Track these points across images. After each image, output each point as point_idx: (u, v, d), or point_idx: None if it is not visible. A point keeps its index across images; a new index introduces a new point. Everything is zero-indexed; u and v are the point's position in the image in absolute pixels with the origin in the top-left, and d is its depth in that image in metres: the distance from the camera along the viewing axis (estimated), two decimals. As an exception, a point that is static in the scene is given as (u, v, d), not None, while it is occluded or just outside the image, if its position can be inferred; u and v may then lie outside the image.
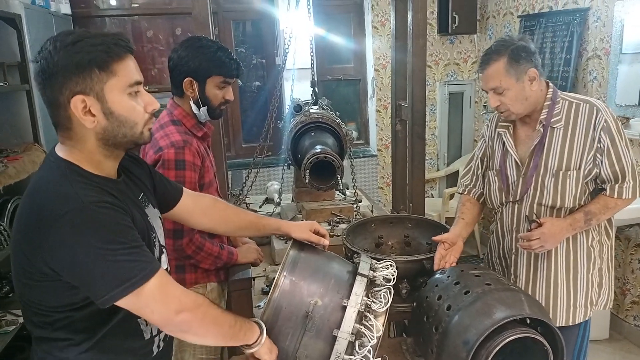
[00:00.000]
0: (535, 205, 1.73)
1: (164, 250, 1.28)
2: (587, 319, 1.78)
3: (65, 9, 3.65)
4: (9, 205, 2.53)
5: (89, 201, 1.00)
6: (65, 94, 1.02)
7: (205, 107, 1.78)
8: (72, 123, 1.05)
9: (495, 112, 1.78)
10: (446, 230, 1.81)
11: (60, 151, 1.09)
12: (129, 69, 1.06)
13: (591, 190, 1.71)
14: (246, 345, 1.20)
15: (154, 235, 1.20)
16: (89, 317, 1.08)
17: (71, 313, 1.08)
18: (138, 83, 1.09)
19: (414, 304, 1.54)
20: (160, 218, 1.31)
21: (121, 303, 1.02)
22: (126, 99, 1.07)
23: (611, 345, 3.04)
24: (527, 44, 1.64)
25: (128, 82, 1.06)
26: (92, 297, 1.02)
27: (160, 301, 1.04)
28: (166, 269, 1.28)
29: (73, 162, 1.07)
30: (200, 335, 1.12)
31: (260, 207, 2.86)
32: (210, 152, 1.90)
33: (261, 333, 1.21)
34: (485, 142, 1.93)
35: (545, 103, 1.69)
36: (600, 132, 1.63)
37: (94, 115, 1.04)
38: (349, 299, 1.28)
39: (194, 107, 1.78)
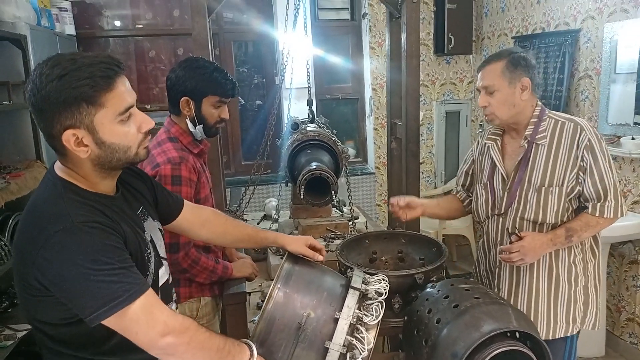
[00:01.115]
0: (518, 220, 1.77)
1: (163, 262, 1.30)
2: (568, 334, 1.80)
3: (70, 29, 3.74)
4: (10, 221, 2.57)
5: (79, 221, 1.02)
6: (57, 127, 1.03)
7: (202, 126, 1.83)
8: (67, 151, 1.07)
9: (485, 128, 1.84)
10: (439, 246, 1.84)
11: (59, 170, 1.11)
12: (119, 97, 1.06)
13: (575, 207, 1.75)
14: None
15: (149, 251, 1.21)
16: (89, 333, 1.08)
17: (68, 328, 1.09)
18: (129, 108, 1.08)
19: (405, 317, 1.57)
20: (160, 230, 1.33)
21: (106, 323, 1.03)
22: (117, 127, 1.07)
23: (607, 362, 3.04)
24: (529, 58, 1.72)
25: (118, 110, 1.06)
26: (80, 316, 1.03)
27: (144, 323, 1.04)
28: (166, 281, 1.31)
29: (69, 181, 1.09)
30: (189, 359, 1.10)
31: (258, 223, 2.89)
32: (206, 168, 1.94)
33: (252, 355, 1.20)
34: (473, 155, 1.99)
35: (532, 120, 1.75)
36: (583, 150, 1.67)
37: (86, 146, 1.06)
38: (341, 311, 1.31)
39: (190, 125, 1.83)
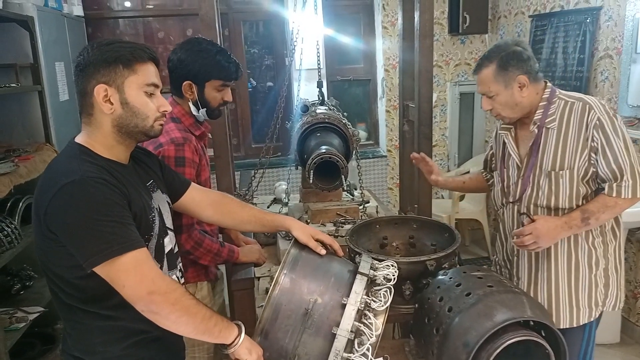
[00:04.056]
0: (532, 206, 1.73)
1: (168, 232, 1.38)
2: (592, 320, 1.76)
3: (78, 10, 3.70)
4: (20, 204, 2.57)
5: (88, 176, 1.14)
6: (92, 83, 1.20)
7: (205, 109, 1.81)
8: (94, 109, 1.22)
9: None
10: (452, 232, 1.80)
11: (78, 138, 1.25)
12: (148, 72, 1.24)
13: (593, 189, 1.69)
14: (225, 345, 1.22)
15: (153, 214, 1.30)
16: (95, 287, 1.16)
17: (78, 281, 1.18)
18: (154, 85, 1.26)
19: (416, 305, 1.54)
20: (168, 203, 1.42)
21: (98, 271, 1.12)
22: (142, 95, 1.23)
23: (622, 349, 2.99)
24: (521, 50, 1.65)
25: (145, 81, 1.23)
26: (80, 261, 1.12)
27: (132, 277, 1.11)
28: (171, 249, 1.38)
29: (85, 146, 1.22)
30: (172, 321, 1.15)
31: (268, 207, 2.86)
32: (206, 152, 1.92)
33: (239, 334, 1.22)
34: (492, 143, 1.96)
35: (541, 104, 1.69)
36: (592, 130, 1.61)
37: (112, 104, 1.21)
38: (348, 297, 1.29)
39: (193, 109, 1.81)
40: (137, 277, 1.12)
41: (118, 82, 1.20)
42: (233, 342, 1.21)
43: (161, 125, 1.29)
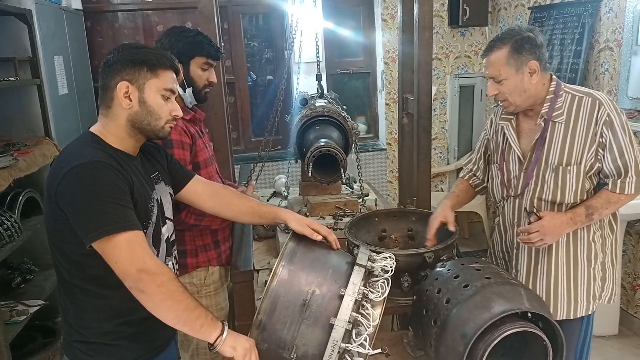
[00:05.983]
0: (535, 200, 1.72)
1: (167, 222, 1.48)
2: (589, 313, 1.76)
3: (77, 4, 3.68)
4: (20, 198, 2.58)
5: (96, 159, 1.24)
6: (116, 79, 1.31)
7: (191, 89, 1.86)
8: (113, 103, 1.33)
9: (498, 104, 1.78)
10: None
11: (92, 128, 1.36)
12: (168, 78, 1.36)
13: (595, 184, 1.69)
14: (210, 344, 1.24)
15: (152, 204, 1.39)
16: (95, 266, 1.25)
17: (79, 259, 1.27)
18: (171, 91, 1.37)
19: (414, 297, 1.54)
20: (170, 195, 1.52)
21: (95, 246, 1.20)
22: (159, 97, 1.35)
23: (620, 341, 3.00)
24: (534, 36, 1.62)
25: (164, 86, 1.35)
26: (80, 237, 1.20)
27: (124, 254, 1.19)
28: (168, 237, 1.47)
29: (98, 135, 1.33)
30: (155, 303, 1.19)
31: (267, 200, 2.87)
32: (204, 135, 1.96)
33: (221, 334, 1.24)
34: (487, 134, 1.93)
35: (548, 97, 1.67)
36: (602, 126, 1.60)
37: (131, 100, 1.32)
38: (346, 288, 1.29)
39: (179, 90, 1.84)
40: (129, 255, 1.19)
41: (140, 82, 1.32)
42: (216, 340, 1.23)
43: (171, 127, 1.39)
